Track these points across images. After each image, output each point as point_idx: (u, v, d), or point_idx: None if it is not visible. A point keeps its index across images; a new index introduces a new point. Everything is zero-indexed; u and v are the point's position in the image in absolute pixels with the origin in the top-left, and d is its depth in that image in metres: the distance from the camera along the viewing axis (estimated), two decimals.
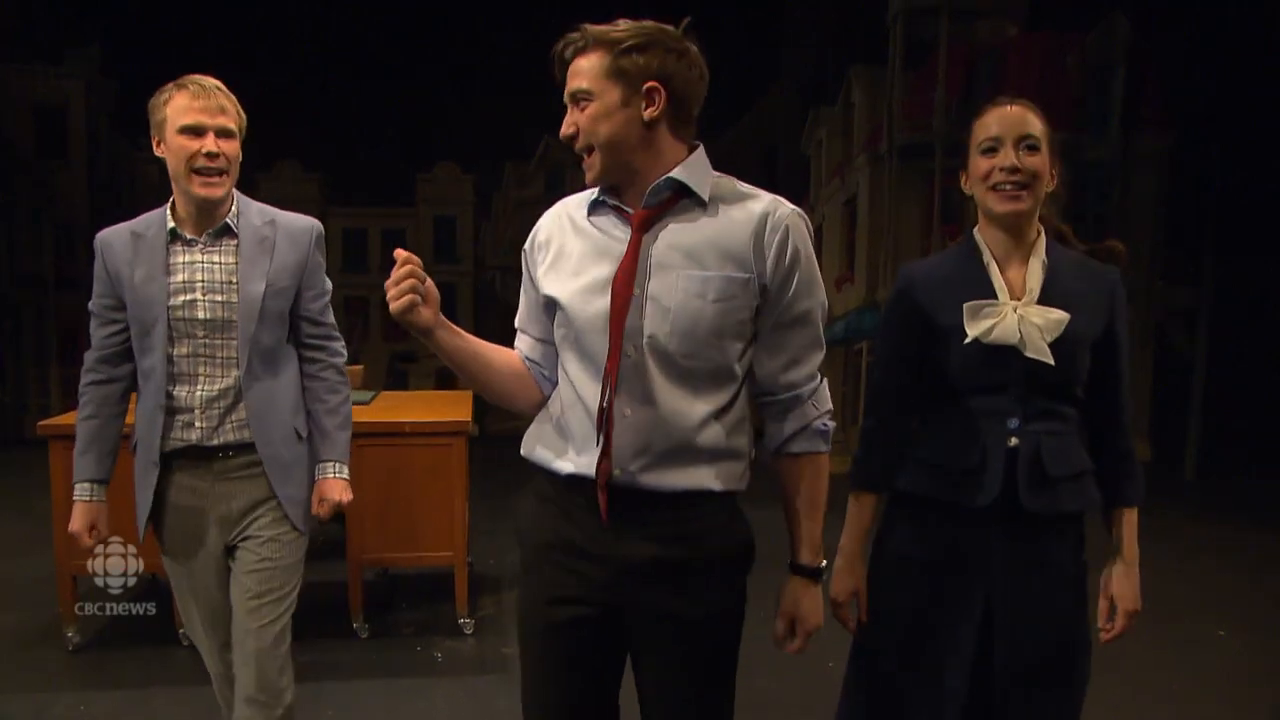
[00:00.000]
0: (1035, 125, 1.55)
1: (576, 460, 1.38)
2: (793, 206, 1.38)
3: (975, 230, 1.63)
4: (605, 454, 1.34)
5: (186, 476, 1.90)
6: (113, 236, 1.90)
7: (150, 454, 1.88)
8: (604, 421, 1.34)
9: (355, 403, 3.48)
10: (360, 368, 4.24)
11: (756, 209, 1.36)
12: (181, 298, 1.85)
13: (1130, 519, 1.63)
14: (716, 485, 1.38)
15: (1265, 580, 4.52)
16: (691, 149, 1.38)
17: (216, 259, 1.88)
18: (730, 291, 1.34)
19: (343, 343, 2.05)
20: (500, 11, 5.49)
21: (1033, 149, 1.54)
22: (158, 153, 1.85)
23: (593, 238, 1.39)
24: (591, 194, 1.42)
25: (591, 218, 1.41)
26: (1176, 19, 6.04)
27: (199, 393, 1.87)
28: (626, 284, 1.34)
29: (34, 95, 14.32)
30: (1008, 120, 1.55)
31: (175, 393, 1.87)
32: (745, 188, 1.40)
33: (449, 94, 6.11)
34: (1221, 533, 5.72)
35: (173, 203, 1.88)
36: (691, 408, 1.35)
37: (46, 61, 14.35)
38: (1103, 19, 10.77)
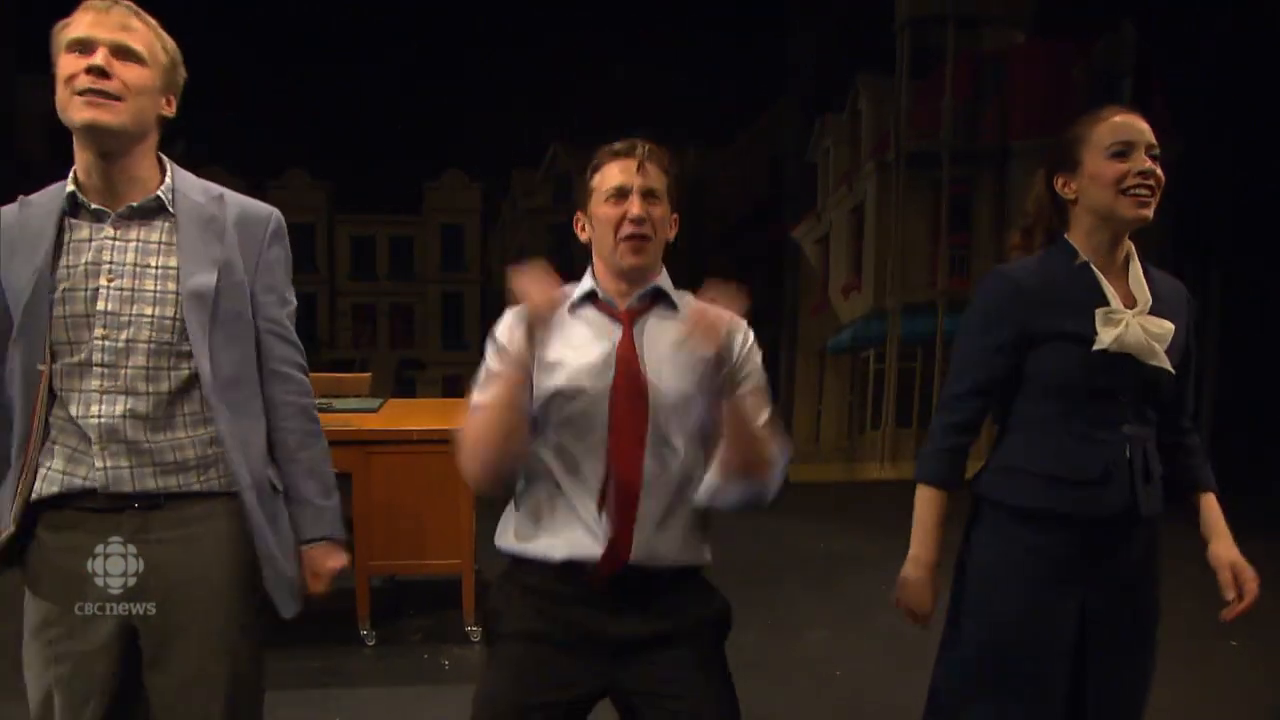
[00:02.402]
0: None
1: (573, 544, 1.43)
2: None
3: (1067, 236, 1.60)
4: (615, 531, 1.41)
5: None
6: (2, 211, 1.47)
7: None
8: (607, 499, 1.42)
9: (362, 410, 3.50)
10: (368, 375, 4.25)
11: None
12: (63, 286, 1.39)
13: (1215, 500, 1.77)
14: (706, 557, 1.51)
15: (1277, 591, 4.48)
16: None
17: (135, 237, 1.41)
18: (702, 366, 1.45)
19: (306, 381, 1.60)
20: (506, 20, 5.52)
21: (1155, 158, 1.55)
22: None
23: (577, 331, 1.50)
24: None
25: (577, 313, 1.52)
26: (1184, 27, 6.03)
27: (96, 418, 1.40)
28: (628, 364, 1.45)
29: (46, 106, 14.40)
30: (1138, 126, 1.56)
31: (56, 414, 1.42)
32: (689, 296, 1.55)
33: (457, 102, 6.14)
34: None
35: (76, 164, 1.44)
36: (682, 478, 1.47)
37: None
38: (1110, 27, 10.76)
